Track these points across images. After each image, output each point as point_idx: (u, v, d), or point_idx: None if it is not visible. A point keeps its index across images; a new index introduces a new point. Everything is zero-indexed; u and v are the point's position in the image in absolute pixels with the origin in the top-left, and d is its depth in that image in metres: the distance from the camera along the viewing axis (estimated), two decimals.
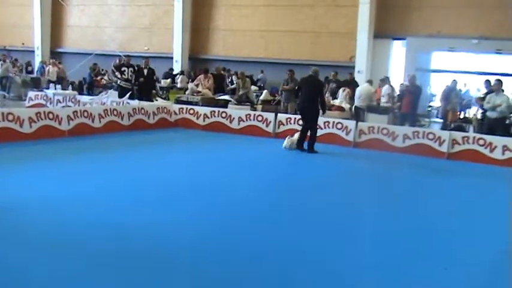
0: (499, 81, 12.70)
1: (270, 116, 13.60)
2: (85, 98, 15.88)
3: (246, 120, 13.63)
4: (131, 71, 15.56)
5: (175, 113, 14.37)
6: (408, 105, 14.21)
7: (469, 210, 7.52)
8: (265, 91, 18.63)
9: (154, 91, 17.67)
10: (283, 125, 13.37)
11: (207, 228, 5.75)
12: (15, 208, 6.01)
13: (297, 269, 4.74)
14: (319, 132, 12.18)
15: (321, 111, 11.68)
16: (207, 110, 14.16)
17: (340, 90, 16.57)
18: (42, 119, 10.97)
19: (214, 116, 13.91)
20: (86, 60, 23.32)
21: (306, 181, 8.85)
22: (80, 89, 20.75)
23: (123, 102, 14.17)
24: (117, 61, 18.14)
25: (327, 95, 17.35)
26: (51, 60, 21.26)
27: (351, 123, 12.89)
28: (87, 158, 9.39)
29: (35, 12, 27.70)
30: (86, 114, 11.93)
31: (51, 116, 11.19)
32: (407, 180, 9.81)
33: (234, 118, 13.71)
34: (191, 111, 14.23)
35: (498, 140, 11.54)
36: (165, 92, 19.64)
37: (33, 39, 27.99)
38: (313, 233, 5.87)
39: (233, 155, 11.06)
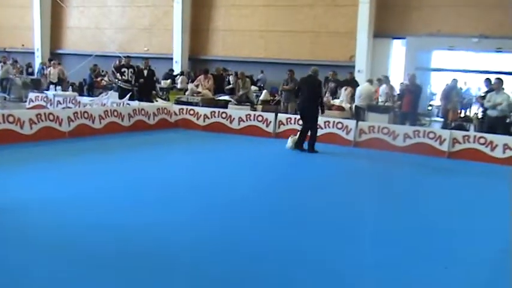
0: (500, 80, 12.67)
1: (270, 116, 13.59)
2: (85, 99, 15.86)
3: (246, 120, 13.63)
4: (131, 72, 15.56)
5: (176, 114, 14.37)
6: (408, 105, 14.21)
7: (469, 209, 7.51)
8: (264, 91, 18.63)
9: (154, 92, 17.68)
10: (284, 125, 13.36)
11: (207, 229, 5.76)
12: (16, 209, 6.02)
13: (297, 269, 4.74)
14: (320, 132, 12.17)
15: (320, 111, 11.68)
16: (207, 110, 14.16)
17: (342, 90, 16.57)
18: (42, 121, 10.98)
19: (215, 117, 13.91)
20: (86, 62, 23.34)
21: (306, 181, 8.84)
22: (80, 90, 20.73)
23: (123, 103, 14.16)
24: (117, 62, 18.19)
25: (327, 94, 17.36)
26: (52, 62, 21.23)
27: (351, 123, 12.88)
28: (88, 159, 9.39)
29: (34, 14, 27.71)
30: (86, 115, 11.94)
31: (51, 117, 11.20)
32: (407, 179, 9.80)
33: (234, 118, 13.71)
34: (191, 112, 14.23)
35: (499, 139, 11.53)
36: (165, 92, 19.63)
37: (33, 40, 27.99)
38: (314, 232, 5.87)
39: (233, 155, 11.06)
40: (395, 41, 21.25)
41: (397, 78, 19.77)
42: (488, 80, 14.06)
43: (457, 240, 5.93)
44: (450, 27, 19.23)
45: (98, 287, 4.19)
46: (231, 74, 19.85)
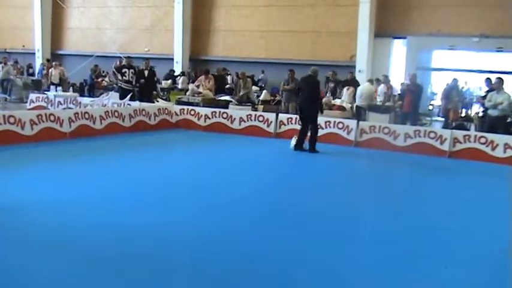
0: (500, 80, 12.67)
1: (271, 116, 13.60)
2: (86, 100, 15.90)
3: (247, 120, 13.63)
4: (132, 72, 15.57)
5: (176, 114, 14.37)
6: (409, 104, 14.21)
7: (469, 209, 7.51)
8: (264, 91, 18.65)
9: (155, 92, 17.69)
10: (285, 125, 13.36)
11: (207, 229, 5.77)
12: (16, 210, 6.03)
13: (297, 269, 4.74)
14: (321, 132, 12.18)
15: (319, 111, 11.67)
16: (208, 110, 14.17)
17: (344, 90, 16.58)
18: (43, 121, 10.99)
19: (215, 117, 13.91)
20: (86, 62, 23.38)
21: (307, 181, 8.85)
22: (81, 90, 20.76)
23: (124, 104, 14.18)
24: (118, 63, 18.19)
25: (327, 94, 17.37)
26: (53, 63, 21.26)
27: (352, 123, 12.88)
28: (88, 160, 9.41)
29: (35, 15, 27.72)
30: (87, 116, 11.95)
31: (52, 118, 11.21)
32: (408, 179, 9.80)
33: (235, 118, 13.72)
34: (192, 112, 14.24)
35: (499, 138, 11.52)
36: (166, 93, 19.64)
37: (34, 41, 28.01)
38: (314, 232, 5.87)
39: (234, 155, 11.06)
40: (396, 40, 21.26)
41: (398, 78, 19.79)
42: (488, 80, 14.05)
43: (457, 240, 5.92)
44: (451, 26, 19.23)
45: (98, 287, 4.19)
46: (229, 74, 19.88)
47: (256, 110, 15.63)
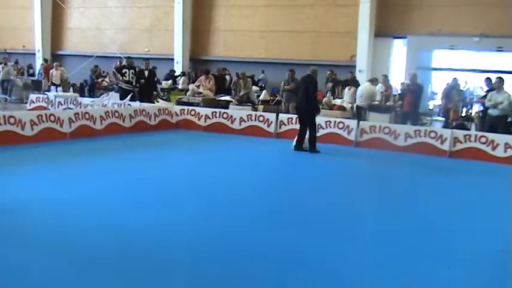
0: (501, 79, 12.67)
1: (272, 116, 13.59)
2: (86, 100, 15.90)
3: (248, 120, 13.63)
4: (132, 72, 15.57)
5: (177, 114, 14.37)
6: (410, 104, 14.21)
7: (470, 209, 7.50)
8: (264, 91, 18.65)
9: (155, 93, 17.69)
10: (285, 125, 13.35)
11: (207, 229, 5.77)
12: (16, 210, 6.04)
13: (297, 269, 4.74)
14: (321, 132, 12.17)
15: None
16: (208, 111, 14.17)
17: (346, 89, 16.58)
18: (43, 122, 10.99)
19: (216, 117, 13.91)
20: (86, 63, 23.39)
21: (307, 181, 8.84)
22: (81, 91, 20.78)
23: (124, 104, 14.18)
24: (118, 63, 18.20)
25: (327, 94, 17.38)
26: (54, 64, 21.26)
27: (352, 123, 12.88)
28: (89, 160, 9.41)
29: (35, 15, 27.74)
30: (87, 116, 11.95)
31: (52, 118, 11.21)
32: (408, 179, 9.79)
33: (235, 119, 13.71)
34: (192, 112, 14.23)
35: (500, 138, 11.51)
36: (166, 93, 19.65)
37: (34, 41, 28.02)
38: (314, 232, 5.87)
39: (234, 155, 11.06)
40: (396, 40, 21.26)
41: (398, 78, 19.80)
42: (488, 79, 14.06)
43: (457, 240, 5.92)
44: (451, 26, 19.23)
45: (98, 287, 4.19)
46: (228, 74, 19.88)
47: (256, 110, 15.63)
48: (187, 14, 24.45)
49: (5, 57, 23.06)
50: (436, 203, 7.76)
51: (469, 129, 13.89)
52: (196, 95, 16.76)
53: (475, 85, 20.56)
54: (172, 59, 24.49)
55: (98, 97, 16.81)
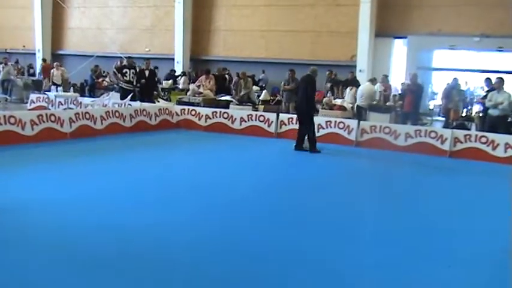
0: (501, 79, 12.67)
1: (272, 116, 13.59)
2: (87, 100, 15.90)
3: (248, 120, 13.63)
4: (133, 72, 15.58)
5: (177, 114, 14.38)
6: (410, 104, 14.22)
7: (470, 209, 7.50)
8: (264, 91, 18.64)
9: (155, 92, 17.69)
10: (285, 125, 13.35)
11: (207, 229, 5.77)
12: (17, 210, 6.04)
13: (297, 269, 4.74)
14: (321, 132, 12.16)
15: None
16: (208, 110, 14.17)
17: (347, 89, 16.57)
18: (44, 122, 11.00)
19: (216, 117, 13.91)
20: (87, 62, 23.39)
21: (307, 181, 8.84)
22: (81, 91, 20.78)
23: (124, 104, 14.18)
24: (119, 63, 18.19)
25: (328, 94, 17.37)
26: (54, 64, 21.26)
27: (352, 123, 12.88)
28: (89, 160, 9.41)
29: (35, 15, 27.73)
30: (87, 116, 11.96)
31: (53, 118, 11.22)
32: (408, 178, 9.79)
33: (235, 119, 13.71)
34: (193, 112, 14.24)
35: (500, 138, 11.51)
36: (166, 93, 19.65)
37: (34, 41, 28.02)
38: (314, 232, 5.87)
39: (234, 155, 11.06)
40: (396, 40, 21.25)
41: (399, 78, 19.79)
42: (488, 80, 14.05)
43: (457, 239, 5.92)
44: (451, 26, 19.22)
45: (98, 287, 4.20)
46: (228, 74, 19.89)
47: (256, 110, 15.63)
48: (187, 14, 24.45)
49: (5, 57, 23.08)
50: (436, 203, 7.76)
51: (469, 129, 13.88)
52: (196, 95, 16.76)
53: (475, 85, 20.53)
54: (173, 59, 24.49)
55: (99, 97, 16.81)
